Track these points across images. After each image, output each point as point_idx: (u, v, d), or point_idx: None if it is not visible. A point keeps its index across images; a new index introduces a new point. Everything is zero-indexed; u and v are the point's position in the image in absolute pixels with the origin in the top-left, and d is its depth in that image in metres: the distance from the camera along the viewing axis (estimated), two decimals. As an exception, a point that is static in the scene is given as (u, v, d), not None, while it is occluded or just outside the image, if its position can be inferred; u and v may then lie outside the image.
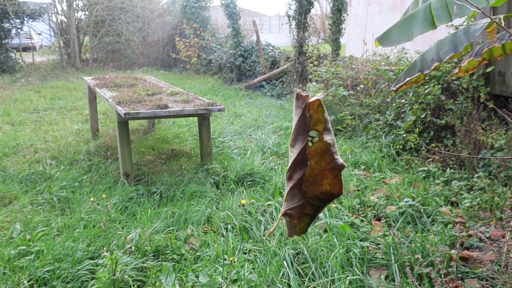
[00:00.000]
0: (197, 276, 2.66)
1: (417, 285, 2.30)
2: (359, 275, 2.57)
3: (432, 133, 4.70)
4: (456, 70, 2.74)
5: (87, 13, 15.64)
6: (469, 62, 2.61)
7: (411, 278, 2.19)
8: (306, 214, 1.41)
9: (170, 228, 3.27)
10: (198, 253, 2.96)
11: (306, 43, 9.39)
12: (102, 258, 2.80)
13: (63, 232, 3.19)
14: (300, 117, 1.32)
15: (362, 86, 6.24)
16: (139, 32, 15.49)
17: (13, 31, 13.55)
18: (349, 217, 3.31)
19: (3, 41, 13.17)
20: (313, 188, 1.38)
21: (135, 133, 6.26)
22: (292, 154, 1.33)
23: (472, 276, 2.54)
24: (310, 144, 1.35)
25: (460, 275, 2.53)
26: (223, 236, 3.17)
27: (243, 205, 3.46)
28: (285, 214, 1.38)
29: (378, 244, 2.92)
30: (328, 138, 1.33)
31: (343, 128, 5.91)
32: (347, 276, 2.57)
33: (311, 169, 1.37)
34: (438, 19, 2.51)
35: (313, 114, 1.33)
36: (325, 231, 3.13)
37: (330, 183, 1.37)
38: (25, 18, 13.58)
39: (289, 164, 1.35)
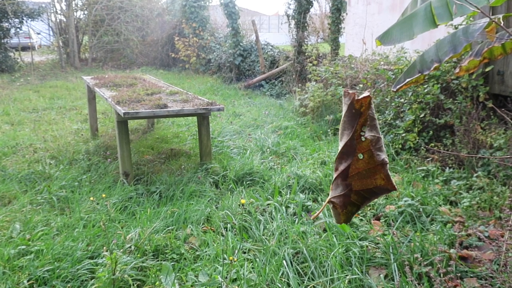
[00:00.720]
0: (196, 276, 2.66)
1: (416, 285, 2.30)
2: (358, 274, 2.57)
3: (431, 132, 4.70)
4: (457, 70, 2.75)
5: (86, 12, 15.62)
6: (470, 61, 2.61)
7: (411, 277, 2.20)
8: (352, 204, 1.47)
9: (170, 228, 3.27)
10: (197, 253, 2.96)
11: (305, 42, 9.39)
12: (101, 258, 2.80)
13: (62, 232, 3.19)
14: (346, 112, 1.38)
15: (361, 85, 6.24)
16: (138, 32, 15.47)
17: (12, 30, 13.53)
18: (349, 217, 3.31)
19: (2, 41, 13.15)
20: (367, 181, 1.44)
21: (135, 133, 6.26)
22: (339, 147, 1.41)
23: (471, 275, 2.55)
24: (363, 139, 1.41)
25: (459, 274, 2.54)
26: (223, 235, 3.18)
27: (242, 205, 3.47)
28: (329, 202, 1.47)
29: (378, 243, 2.93)
30: (370, 134, 1.38)
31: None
32: (347, 275, 2.57)
33: (366, 163, 1.42)
34: (438, 18, 2.51)
35: (364, 111, 1.38)
36: (325, 230, 3.13)
37: (384, 178, 1.43)
38: (24, 18, 13.56)
39: (336, 156, 1.42)
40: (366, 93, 1.36)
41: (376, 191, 1.46)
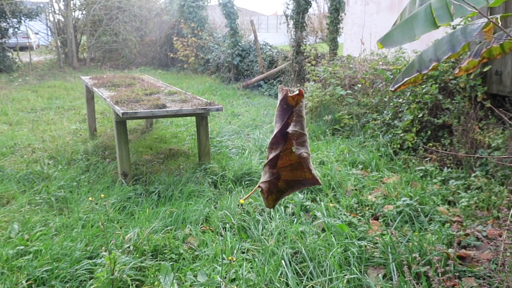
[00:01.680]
0: (195, 276, 2.66)
1: (415, 284, 2.31)
2: (357, 274, 2.58)
3: (429, 132, 4.71)
4: (456, 70, 2.76)
5: (84, 12, 15.60)
6: (469, 62, 2.62)
7: (409, 277, 2.20)
8: (277, 190, 1.58)
9: (169, 228, 3.27)
10: (196, 253, 2.96)
11: (304, 42, 9.40)
12: (100, 258, 2.80)
13: (61, 232, 3.18)
14: (278, 107, 1.50)
15: (359, 85, 6.25)
16: (136, 32, 15.46)
17: (10, 30, 13.50)
18: (347, 216, 3.32)
19: (0, 41, 13.13)
20: (297, 173, 1.55)
21: (133, 133, 6.26)
22: (271, 138, 1.52)
23: (470, 275, 2.56)
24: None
25: (457, 274, 2.54)
26: (222, 235, 3.18)
27: (241, 205, 3.47)
28: (259, 187, 1.57)
29: (376, 243, 2.93)
30: (292, 129, 1.48)
31: (340, 128, 5.92)
32: (345, 275, 2.58)
33: (297, 157, 1.51)
34: (439, 19, 2.52)
35: (296, 106, 1.49)
36: (323, 230, 3.13)
37: (307, 171, 1.53)
38: (22, 18, 13.53)
39: (268, 145, 1.53)
40: (297, 91, 1.47)
41: (304, 183, 1.56)
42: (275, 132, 1.49)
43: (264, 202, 1.61)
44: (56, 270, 2.66)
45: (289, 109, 1.49)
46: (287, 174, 1.55)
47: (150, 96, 4.80)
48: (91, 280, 2.63)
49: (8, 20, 13.17)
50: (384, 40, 2.83)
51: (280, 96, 1.50)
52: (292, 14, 9.36)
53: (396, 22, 3.05)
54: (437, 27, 2.56)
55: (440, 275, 2.28)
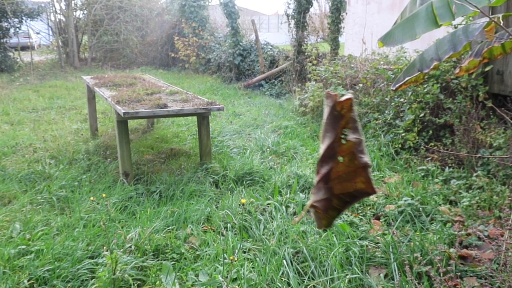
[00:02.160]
0: (197, 275, 2.67)
1: (416, 284, 2.31)
2: (358, 274, 2.58)
3: (431, 132, 4.71)
4: (457, 70, 2.75)
5: (85, 12, 15.60)
6: (470, 61, 2.61)
7: (410, 276, 2.20)
8: (333, 208, 1.45)
9: (170, 227, 3.27)
10: (198, 252, 2.96)
11: (305, 42, 9.39)
12: (102, 257, 2.80)
13: (62, 232, 3.19)
14: (328, 115, 1.37)
15: (361, 85, 6.25)
16: (137, 31, 15.46)
17: (12, 30, 13.52)
18: (348, 216, 3.32)
19: (2, 40, 13.14)
20: (347, 184, 1.43)
21: (134, 133, 6.26)
22: (321, 150, 1.40)
23: (471, 275, 2.55)
24: (343, 142, 1.38)
25: (459, 274, 2.54)
26: (223, 235, 3.18)
27: (242, 204, 3.47)
28: (311, 206, 1.44)
29: (377, 243, 2.93)
30: (352, 136, 1.37)
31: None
32: (347, 275, 2.58)
33: (346, 166, 1.40)
34: (440, 18, 2.51)
35: (345, 113, 1.37)
36: (325, 230, 3.13)
37: (364, 181, 1.41)
38: (24, 17, 13.54)
39: (318, 160, 1.41)
40: (348, 95, 1.36)
41: (356, 194, 1.44)
42: (326, 143, 1.38)
43: (317, 223, 1.48)
44: (58, 270, 2.67)
45: (340, 116, 1.38)
46: (336, 187, 1.44)
47: (152, 95, 4.80)
48: (93, 280, 2.63)
49: (9, 19, 13.18)
50: (385, 39, 2.83)
51: (328, 103, 1.38)
52: (293, 13, 9.35)
53: (397, 21, 3.05)
54: (438, 26, 2.56)
55: (441, 275, 2.28)
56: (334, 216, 1.47)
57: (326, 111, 1.38)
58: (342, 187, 1.43)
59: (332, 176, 1.43)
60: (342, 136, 1.40)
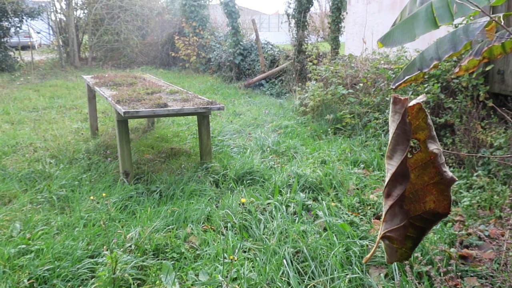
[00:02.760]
0: (197, 275, 2.66)
1: (417, 284, 2.30)
2: (358, 273, 2.57)
3: (431, 131, 4.69)
4: (457, 69, 2.74)
5: (86, 11, 15.60)
6: (469, 61, 2.61)
7: (411, 276, 2.20)
8: (408, 237, 1.24)
9: (170, 227, 3.27)
10: (198, 252, 2.96)
11: (306, 41, 9.38)
12: (102, 257, 2.80)
13: (63, 231, 3.19)
14: (399, 124, 1.16)
15: (361, 84, 6.24)
16: (138, 31, 15.46)
17: (12, 29, 13.52)
18: (349, 216, 3.32)
19: (2, 40, 13.14)
20: (414, 206, 1.22)
21: (135, 132, 6.26)
22: (390, 167, 1.18)
23: (472, 275, 2.55)
24: (409, 155, 1.19)
25: (459, 274, 2.54)
26: (223, 234, 3.18)
27: (243, 204, 3.47)
28: (384, 237, 1.22)
29: (378, 242, 2.92)
30: (433, 147, 1.17)
31: (342, 127, 5.91)
32: (347, 274, 2.58)
33: (412, 184, 1.21)
34: (440, 19, 2.51)
35: (412, 120, 1.18)
36: (325, 229, 3.13)
37: (435, 200, 1.20)
38: (24, 17, 13.54)
39: (387, 179, 1.19)
40: (419, 98, 1.16)
41: (427, 217, 1.22)
42: (399, 158, 1.15)
43: (389, 257, 1.24)
44: (58, 269, 2.67)
45: (409, 125, 1.16)
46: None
47: (152, 95, 4.80)
48: (93, 279, 2.63)
49: (10, 19, 13.18)
50: (384, 40, 2.82)
51: (398, 109, 1.15)
52: (293, 13, 9.35)
53: (396, 21, 3.04)
54: (437, 27, 2.55)
55: (442, 274, 2.28)
56: (410, 247, 1.25)
57: (394, 119, 1.18)
58: (409, 210, 1.22)
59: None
60: (410, 148, 1.19)
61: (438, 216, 1.21)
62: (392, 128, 1.18)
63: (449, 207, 1.20)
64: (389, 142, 1.18)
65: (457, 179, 1.25)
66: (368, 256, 1.24)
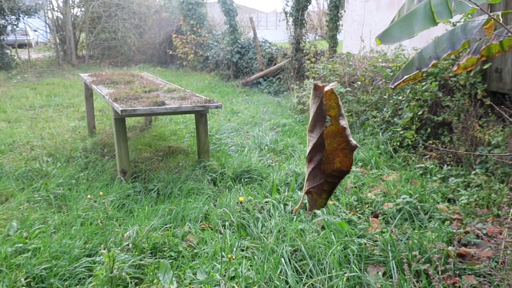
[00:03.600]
0: (195, 273, 2.66)
1: (415, 282, 2.30)
2: (356, 272, 2.57)
3: (429, 130, 4.70)
4: (455, 68, 2.74)
5: (83, 9, 15.55)
6: (468, 59, 2.61)
7: (409, 274, 2.20)
8: (324, 190, 1.60)
9: (168, 226, 3.26)
10: (195, 250, 2.95)
11: (303, 39, 9.38)
12: (99, 256, 2.79)
13: (60, 230, 3.17)
14: (319, 106, 1.49)
15: (359, 83, 6.24)
16: (135, 29, 15.42)
17: (9, 27, 13.46)
18: (347, 214, 3.31)
19: (-1, 38, 13.10)
20: (326, 166, 1.58)
21: (132, 130, 6.25)
22: (312, 139, 1.51)
23: (470, 273, 2.55)
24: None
25: (457, 272, 2.54)
26: (221, 233, 3.17)
27: (240, 202, 3.46)
28: (308, 192, 1.58)
29: (376, 241, 2.93)
30: (343, 122, 1.51)
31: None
32: (345, 273, 2.57)
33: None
34: (438, 16, 2.50)
35: (327, 102, 1.51)
36: (323, 228, 3.13)
37: (341, 161, 1.57)
38: (21, 15, 13.49)
39: (309, 148, 1.52)
40: (331, 84, 1.50)
41: (336, 174, 1.59)
42: (318, 132, 1.50)
43: (310, 206, 1.63)
44: (55, 268, 2.66)
45: (323, 104, 1.51)
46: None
47: (149, 93, 4.79)
48: (90, 278, 2.62)
49: (6, 17, 13.13)
50: (383, 37, 2.82)
51: (317, 94, 1.50)
52: (291, 11, 9.34)
53: (394, 19, 3.04)
54: (436, 23, 2.55)
55: (440, 273, 2.28)
56: (326, 197, 1.64)
57: (314, 101, 1.51)
58: (323, 169, 1.60)
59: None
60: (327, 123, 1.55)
61: (343, 173, 1.59)
62: (313, 108, 1.51)
63: (350, 166, 1.58)
64: (310, 119, 1.52)
65: (358, 145, 1.63)
66: (296, 207, 1.65)
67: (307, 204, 1.69)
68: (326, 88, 1.47)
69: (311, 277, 2.59)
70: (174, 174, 4.29)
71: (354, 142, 1.54)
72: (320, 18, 15.48)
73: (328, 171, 1.58)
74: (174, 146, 5.30)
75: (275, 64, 10.38)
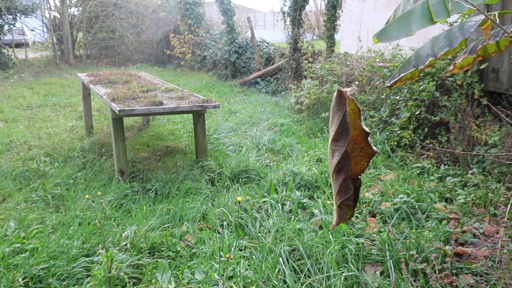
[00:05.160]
0: (193, 273, 2.66)
1: (412, 281, 2.31)
2: (354, 271, 2.58)
3: (426, 129, 4.72)
4: (451, 67, 2.75)
5: (80, 9, 15.52)
6: (464, 59, 2.62)
7: (406, 274, 2.20)
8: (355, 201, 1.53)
9: (166, 225, 3.26)
10: (193, 250, 2.95)
11: (301, 39, 9.38)
12: (97, 256, 2.79)
13: (57, 230, 3.17)
14: (343, 113, 1.41)
15: (357, 82, 6.25)
16: (133, 28, 15.40)
17: (6, 27, 13.42)
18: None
19: (-4, 37, 13.07)
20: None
21: (130, 130, 6.24)
22: (339, 148, 1.43)
23: (467, 272, 2.56)
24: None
25: (454, 271, 2.55)
26: (219, 233, 3.17)
27: (238, 202, 3.46)
28: (339, 206, 1.49)
29: (373, 240, 2.94)
30: (366, 129, 1.45)
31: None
32: (343, 272, 2.58)
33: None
34: (436, 15, 2.51)
35: (352, 108, 1.44)
36: (321, 227, 3.13)
37: (352, 168, 1.49)
38: (18, 14, 13.45)
39: (337, 158, 1.43)
40: (350, 89, 1.42)
41: (354, 180, 1.53)
42: (345, 141, 1.42)
43: (339, 220, 1.51)
44: (53, 268, 2.65)
45: (346, 111, 1.42)
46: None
47: (147, 93, 4.78)
48: (88, 278, 2.62)
49: (3, 16, 13.09)
50: (380, 35, 2.82)
51: (339, 101, 1.41)
52: (289, 11, 9.34)
53: (390, 19, 3.04)
54: (433, 22, 2.56)
55: (437, 272, 2.28)
56: (353, 207, 1.55)
57: (339, 108, 1.42)
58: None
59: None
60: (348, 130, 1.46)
61: (357, 181, 1.52)
62: (337, 116, 1.42)
63: (362, 172, 1.51)
64: (335, 127, 1.43)
65: (378, 150, 1.57)
66: (334, 223, 1.56)
67: (335, 218, 1.58)
68: (348, 93, 1.43)
69: (309, 277, 2.59)
70: (172, 174, 4.29)
71: (374, 148, 1.48)
72: (317, 18, 15.48)
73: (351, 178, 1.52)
74: (172, 146, 5.30)
75: (272, 64, 10.38)
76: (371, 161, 4.44)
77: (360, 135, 1.44)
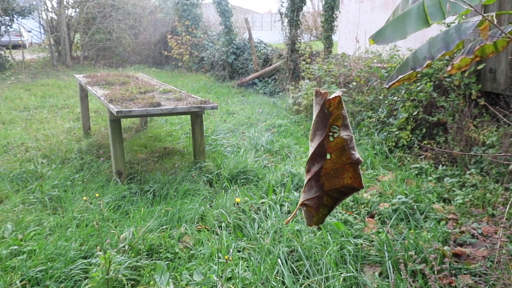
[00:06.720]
0: (191, 275, 2.65)
1: (411, 282, 2.31)
2: (353, 272, 2.58)
3: (424, 130, 4.72)
4: (449, 68, 2.76)
5: (77, 10, 15.49)
6: (462, 59, 2.62)
7: (405, 274, 2.20)
8: (324, 205, 1.47)
9: (164, 227, 3.26)
10: (192, 252, 2.95)
11: (299, 40, 9.39)
12: (95, 258, 2.78)
13: (55, 232, 3.16)
14: (319, 113, 1.38)
15: (354, 83, 6.25)
16: (130, 30, 15.38)
17: (3, 28, 13.39)
18: (343, 215, 3.32)
19: (-8, 39, 13.03)
20: (334, 181, 1.45)
21: (127, 131, 6.23)
22: (311, 148, 1.40)
23: (465, 272, 2.56)
24: (331, 139, 1.41)
25: (453, 272, 2.55)
26: (217, 234, 3.17)
27: (237, 203, 3.46)
28: (302, 205, 1.45)
29: (372, 241, 2.93)
30: (344, 134, 1.40)
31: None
32: (341, 273, 2.58)
33: (333, 163, 1.43)
34: (431, 17, 2.52)
35: (333, 110, 1.39)
36: (319, 228, 3.13)
37: (351, 176, 1.44)
38: (15, 15, 13.42)
39: (308, 157, 1.40)
40: (337, 93, 1.36)
41: (344, 190, 1.46)
42: (317, 141, 1.37)
43: (307, 220, 1.48)
44: (51, 270, 2.64)
45: (329, 114, 1.37)
46: (326, 185, 1.45)
47: (145, 94, 4.78)
48: (86, 280, 2.61)
49: (0, 18, 13.05)
50: (376, 37, 2.83)
51: (319, 101, 1.37)
52: (286, 12, 9.35)
53: (389, 19, 3.05)
54: (429, 25, 2.57)
55: (436, 272, 2.28)
56: (325, 213, 1.50)
57: (315, 109, 1.40)
58: (330, 184, 1.46)
59: (322, 173, 1.44)
60: (330, 134, 1.42)
61: (353, 190, 1.45)
62: (314, 115, 1.39)
63: (361, 182, 1.43)
64: (311, 127, 1.40)
65: (362, 160, 1.43)
66: (289, 218, 1.55)
67: (304, 218, 1.54)
68: (332, 96, 1.36)
69: (307, 278, 2.59)
70: (170, 175, 4.28)
71: (357, 155, 1.41)
72: (315, 19, 15.50)
73: (337, 186, 1.45)
74: (169, 147, 5.29)
75: (270, 65, 10.39)
76: (369, 162, 4.42)
77: (343, 141, 1.41)
